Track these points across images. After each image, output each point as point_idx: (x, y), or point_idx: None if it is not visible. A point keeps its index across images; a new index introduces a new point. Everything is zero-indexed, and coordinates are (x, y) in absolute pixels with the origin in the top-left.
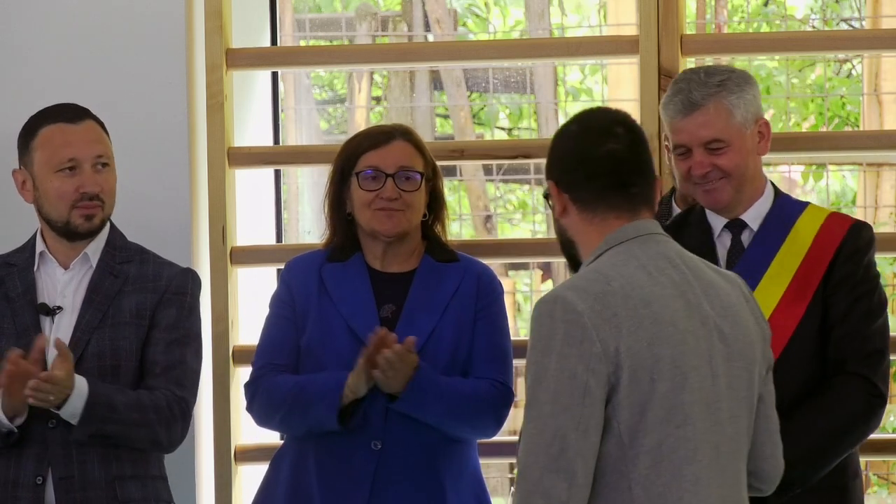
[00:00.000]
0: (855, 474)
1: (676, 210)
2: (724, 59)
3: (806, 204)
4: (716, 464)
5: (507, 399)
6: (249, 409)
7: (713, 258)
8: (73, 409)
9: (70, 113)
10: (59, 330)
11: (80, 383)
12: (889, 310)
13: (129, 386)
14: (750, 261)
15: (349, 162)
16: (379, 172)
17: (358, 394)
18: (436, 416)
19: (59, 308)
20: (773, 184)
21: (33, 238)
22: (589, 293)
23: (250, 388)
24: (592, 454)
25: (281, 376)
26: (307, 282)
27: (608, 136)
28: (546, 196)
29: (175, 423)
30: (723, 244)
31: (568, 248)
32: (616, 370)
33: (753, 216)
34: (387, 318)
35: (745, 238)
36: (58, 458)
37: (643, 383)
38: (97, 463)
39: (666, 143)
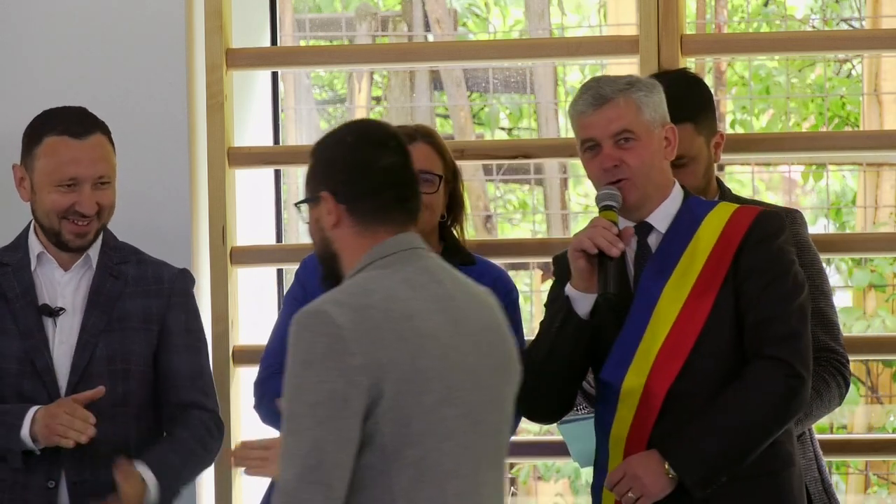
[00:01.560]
0: (788, 462)
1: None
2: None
3: (715, 202)
4: (477, 477)
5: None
6: (257, 408)
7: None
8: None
9: (78, 125)
10: (63, 332)
11: (149, 480)
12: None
13: (139, 390)
14: (657, 262)
15: None
16: None
17: None
18: None
19: (62, 309)
20: (682, 187)
21: (24, 236)
22: (349, 307)
23: (259, 387)
24: (349, 466)
25: None
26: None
27: (386, 149)
28: (302, 204)
29: (217, 442)
30: (630, 247)
31: (329, 261)
32: (378, 383)
33: (660, 218)
34: None
35: (653, 240)
36: (71, 461)
37: (407, 396)
38: (111, 467)
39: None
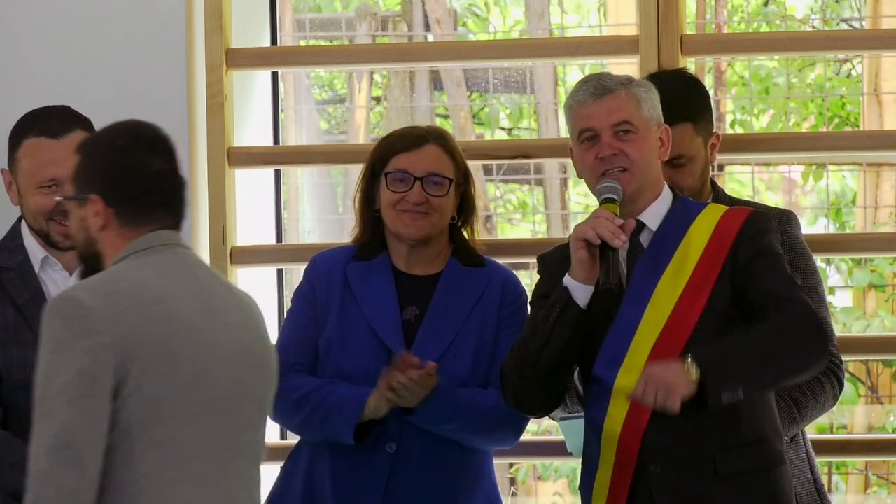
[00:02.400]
0: (779, 460)
1: None
2: (725, 59)
3: (705, 204)
4: (226, 465)
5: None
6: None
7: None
8: None
9: (55, 124)
10: None
11: None
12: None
13: None
14: (650, 259)
15: (381, 161)
16: (407, 175)
17: (377, 415)
18: (450, 432)
19: None
20: (671, 188)
21: (16, 238)
22: (99, 291)
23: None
24: (102, 444)
25: (300, 378)
26: (331, 279)
27: (157, 154)
28: (69, 201)
29: None
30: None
31: (92, 260)
32: (125, 362)
33: (651, 216)
34: (409, 320)
35: (644, 238)
36: None
37: (155, 377)
38: None
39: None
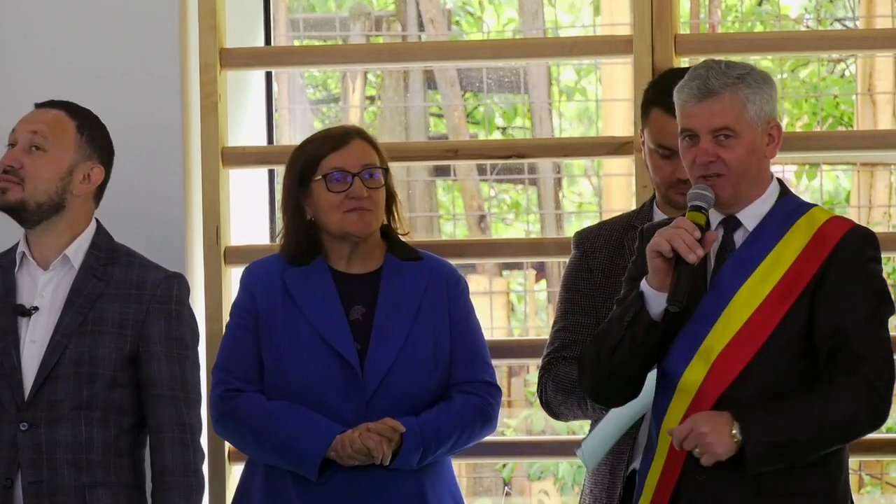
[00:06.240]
0: (829, 486)
1: (659, 216)
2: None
3: (811, 206)
4: None
5: (494, 397)
6: (216, 428)
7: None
8: None
9: (45, 102)
10: (36, 331)
11: None
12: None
13: (106, 395)
14: (739, 259)
15: (309, 167)
16: (345, 173)
17: (343, 464)
18: (435, 459)
19: (35, 308)
20: (781, 184)
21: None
22: None
23: (218, 406)
24: None
25: (251, 401)
26: (270, 287)
27: None
28: None
29: (196, 453)
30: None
31: None
32: None
33: (750, 216)
34: (357, 320)
35: (739, 236)
36: (28, 461)
37: None
38: (68, 468)
39: (642, 140)
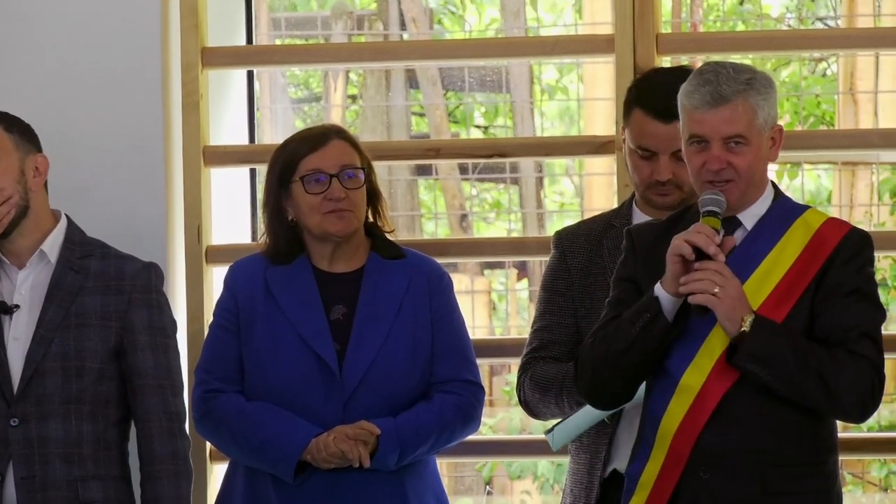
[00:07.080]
0: (830, 484)
1: (639, 216)
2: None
3: (806, 207)
4: None
5: (477, 397)
6: (197, 428)
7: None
8: None
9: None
10: (18, 328)
11: None
12: None
13: (94, 388)
14: (739, 258)
15: (288, 169)
16: (322, 173)
17: (319, 467)
18: (414, 459)
19: (17, 306)
20: (774, 185)
21: None
22: None
23: (199, 407)
24: None
25: (232, 402)
26: (253, 287)
27: None
28: None
29: (183, 441)
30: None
31: None
32: None
33: (749, 216)
34: (338, 319)
35: (738, 236)
36: (20, 457)
37: None
38: (60, 463)
39: (623, 138)
